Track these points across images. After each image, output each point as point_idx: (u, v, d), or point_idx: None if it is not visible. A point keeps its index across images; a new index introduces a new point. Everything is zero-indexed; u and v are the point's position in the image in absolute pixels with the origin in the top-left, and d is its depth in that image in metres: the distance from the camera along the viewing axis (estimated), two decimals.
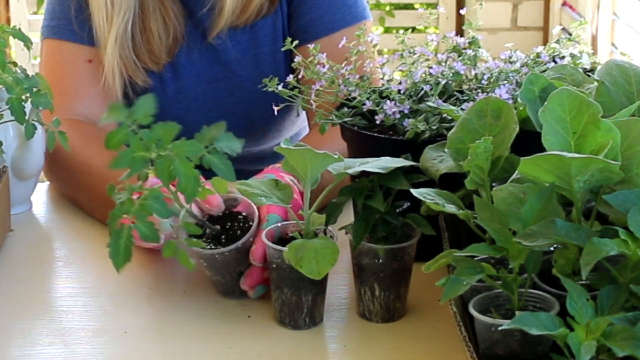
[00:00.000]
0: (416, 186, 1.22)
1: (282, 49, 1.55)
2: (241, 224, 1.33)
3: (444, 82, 1.38)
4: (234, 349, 1.26)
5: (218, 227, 1.32)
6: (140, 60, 1.74)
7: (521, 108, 1.24)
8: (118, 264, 1.10)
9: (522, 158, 1.07)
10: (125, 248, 1.10)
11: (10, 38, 1.55)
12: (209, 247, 1.30)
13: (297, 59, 1.42)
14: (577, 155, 1.06)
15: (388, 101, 1.37)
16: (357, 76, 1.41)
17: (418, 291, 1.33)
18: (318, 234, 1.29)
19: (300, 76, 1.42)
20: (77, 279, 1.45)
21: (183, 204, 1.19)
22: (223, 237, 1.32)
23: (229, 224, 1.33)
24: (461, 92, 1.40)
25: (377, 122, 1.39)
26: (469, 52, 1.41)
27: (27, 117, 1.48)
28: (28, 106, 1.48)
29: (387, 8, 4.58)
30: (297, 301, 1.28)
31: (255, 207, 1.34)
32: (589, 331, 0.99)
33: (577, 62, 1.40)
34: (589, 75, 1.31)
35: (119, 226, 1.11)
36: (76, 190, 1.64)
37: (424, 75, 1.39)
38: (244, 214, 1.34)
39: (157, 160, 1.09)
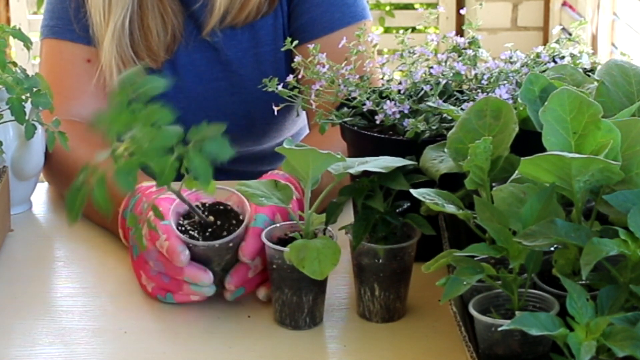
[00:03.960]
0: (416, 186, 1.22)
1: (282, 49, 1.55)
2: (232, 220, 1.32)
3: (444, 82, 1.38)
4: (234, 349, 1.26)
5: (212, 218, 1.31)
6: (139, 57, 1.74)
7: (521, 108, 1.24)
8: (71, 218, 1.09)
9: (522, 158, 1.07)
10: (80, 205, 1.09)
11: (10, 38, 1.55)
12: (196, 234, 1.30)
13: (297, 58, 1.42)
14: (577, 155, 1.06)
15: (388, 101, 1.37)
16: (357, 76, 1.41)
17: (418, 291, 1.33)
18: (317, 234, 1.29)
19: (300, 76, 1.42)
20: (77, 279, 1.44)
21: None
22: (209, 230, 1.31)
23: (218, 221, 1.32)
24: (461, 92, 1.40)
25: (377, 122, 1.39)
26: (469, 52, 1.41)
27: (27, 117, 1.48)
28: (28, 106, 1.48)
29: (387, 8, 4.58)
30: (297, 301, 1.28)
31: (247, 205, 1.33)
32: (589, 331, 0.99)
33: (577, 62, 1.40)
34: (589, 75, 1.31)
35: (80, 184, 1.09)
36: None
37: (424, 75, 1.39)
38: (234, 207, 1.33)
39: (137, 134, 1.06)
